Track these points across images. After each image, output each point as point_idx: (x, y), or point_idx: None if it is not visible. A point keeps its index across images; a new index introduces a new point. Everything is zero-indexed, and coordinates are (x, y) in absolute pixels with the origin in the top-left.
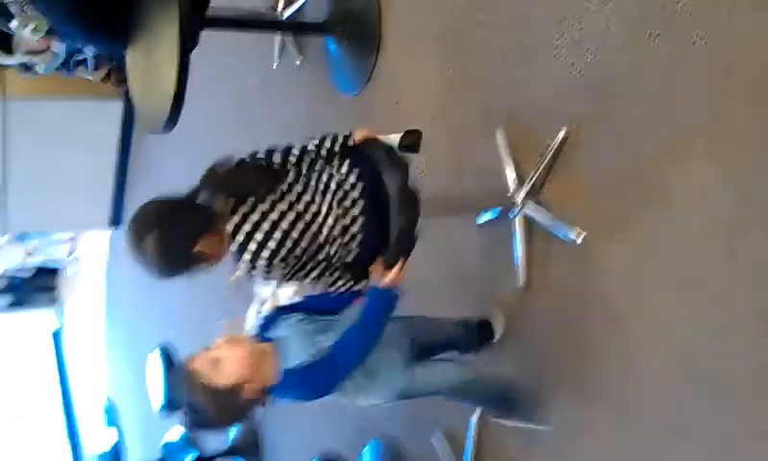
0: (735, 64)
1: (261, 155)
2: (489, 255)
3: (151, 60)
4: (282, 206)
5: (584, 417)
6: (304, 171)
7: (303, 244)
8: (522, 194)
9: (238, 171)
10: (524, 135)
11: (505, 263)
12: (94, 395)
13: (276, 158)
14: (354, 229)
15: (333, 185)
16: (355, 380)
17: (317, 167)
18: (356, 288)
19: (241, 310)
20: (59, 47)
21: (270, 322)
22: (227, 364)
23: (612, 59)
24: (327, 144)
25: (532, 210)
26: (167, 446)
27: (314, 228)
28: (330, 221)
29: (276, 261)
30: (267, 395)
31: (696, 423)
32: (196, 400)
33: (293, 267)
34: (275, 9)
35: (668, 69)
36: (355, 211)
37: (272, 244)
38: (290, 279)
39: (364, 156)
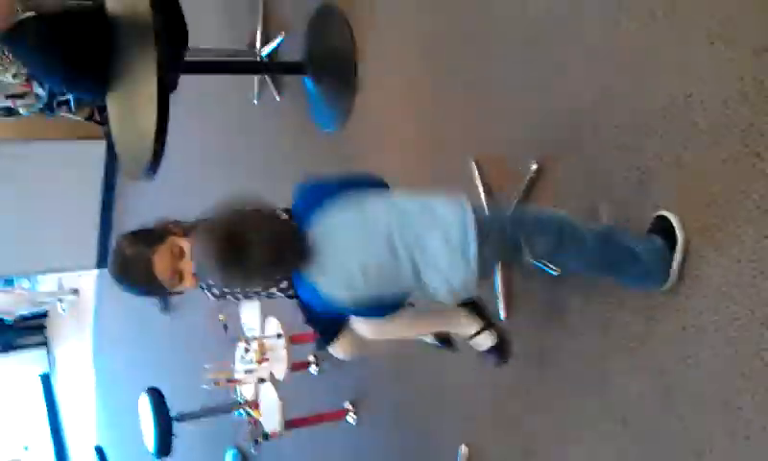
0: (695, 96)
1: None
2: None
3: (130, 107)
4: None
5: (561, 453)
6: None
7: None
8: None
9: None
10: (497, 167)
11: (486, 293)
12: (84, 438)
13: None
14: None
15: None
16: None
17: None
18: None
19: (228, 354)
20: (41, 89)
21: None
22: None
23: (581, 93)
24: None
25: None
26: None
27: None
28: None
29: None
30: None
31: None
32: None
33: None
34: (252, 46)
35: (634, 102)
36: None
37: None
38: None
39: None
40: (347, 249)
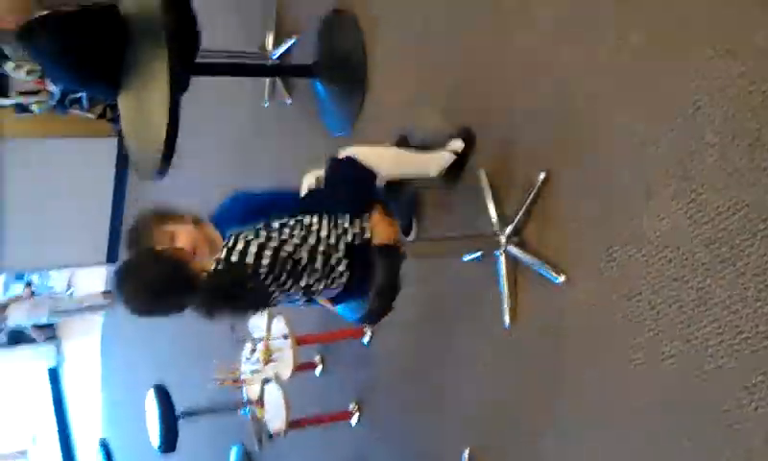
0: (704, 105)
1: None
2: (474, 293)
3: (142, 107)
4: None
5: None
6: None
7: (283, 255)
8: (505, 235)
9: None
10: (506, 176)
11: (491, 301)
12: (90, 432)
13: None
14: (338, 271)
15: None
16: None
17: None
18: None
19: (234, 354)
20: (53, 86)
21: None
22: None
23: (588, 103)
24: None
25: (515, 250)
26: None
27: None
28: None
29: (261, 268)
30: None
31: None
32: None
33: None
34: (264, 48)
35: (640, 111)
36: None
37: (251, 254)
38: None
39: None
40: None
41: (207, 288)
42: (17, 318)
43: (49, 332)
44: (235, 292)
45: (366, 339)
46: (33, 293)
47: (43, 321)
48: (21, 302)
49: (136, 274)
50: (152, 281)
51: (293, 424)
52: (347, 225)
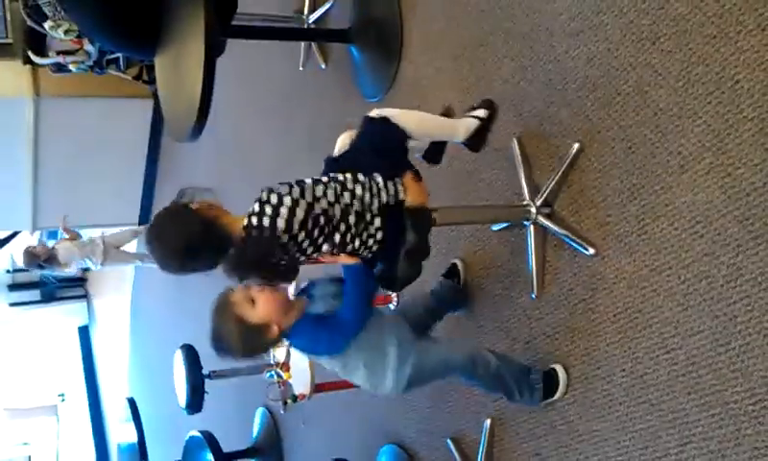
0: (742, 81)
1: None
2: (502, 263)
3: (178, 69)
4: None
5: (588, 427)
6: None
7: (316, 212)
8: (536, 205)
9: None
10: (539, 146)
11: (518, 271)
12: (118, 390)
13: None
14: (372, 230)
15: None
16: (366, 359)
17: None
18: None
19: None
20: (91, 46)
21: (308, 288)
22: (261, 303)
23: (624, 74)
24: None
25: (545, 221)
26: (188, 443)
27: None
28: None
29: (294, 225)
30: (282, 338)
31: (698, 435)
32: (226, 327)
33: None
34: (300, 12)
35: (677, 84)
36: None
37: (285, 208)
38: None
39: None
40: None
41: (238, 256)
42: (68, 256)
43: (80, 290)
44: (265, 264)
45: (393, 305)
46: (79, 235)
47: (95, 267)
48: (70, 241)
49: (169, 230)
50: (184, 238)
51: (318, 388)
52: (381, 184)
